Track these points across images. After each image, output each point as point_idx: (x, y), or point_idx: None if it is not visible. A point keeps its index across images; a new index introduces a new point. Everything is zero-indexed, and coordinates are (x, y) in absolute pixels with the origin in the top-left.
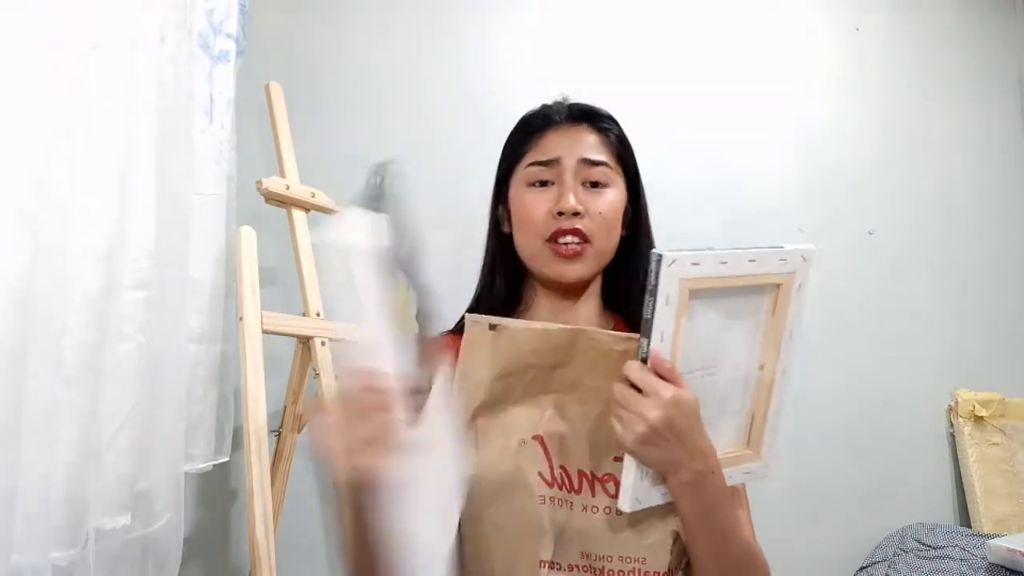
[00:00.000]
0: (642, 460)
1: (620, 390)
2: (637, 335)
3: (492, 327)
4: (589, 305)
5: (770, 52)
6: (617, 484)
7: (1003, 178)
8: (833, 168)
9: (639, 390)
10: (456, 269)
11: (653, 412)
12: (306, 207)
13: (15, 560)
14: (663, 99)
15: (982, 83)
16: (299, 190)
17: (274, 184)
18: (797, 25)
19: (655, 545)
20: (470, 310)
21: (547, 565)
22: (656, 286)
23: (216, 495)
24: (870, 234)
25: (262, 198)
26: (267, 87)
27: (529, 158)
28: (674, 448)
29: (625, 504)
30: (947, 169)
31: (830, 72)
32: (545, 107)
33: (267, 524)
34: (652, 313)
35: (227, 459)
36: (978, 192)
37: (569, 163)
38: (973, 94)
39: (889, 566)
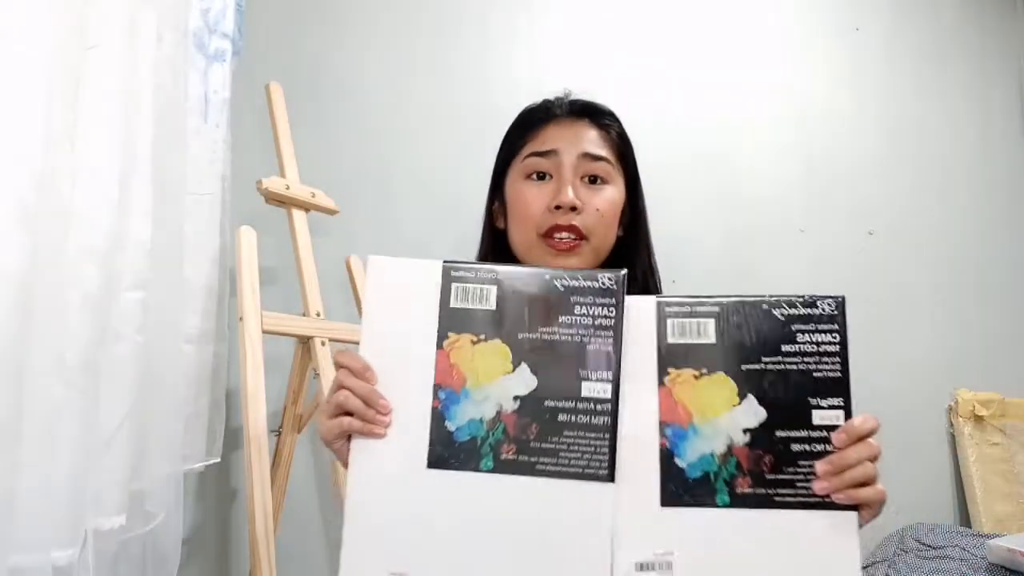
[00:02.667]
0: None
1: (854, 454)
2: None
3: None
4: None
5: (770, 52)
6: None
7: (1003, 178)
8: (833, 168)
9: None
10: None
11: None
12: (306, 207)
13: (15, 560)
14: (664, 99)
15: (982, 83)
16: (299, 190)
17: (274, 184)
18: (797, 25)
19: None
20: None
21: None
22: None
23: (216, 495)
24: (870, 234)
25: (262, 198)
26: (267, 87)
27: (528, 149)
28: None
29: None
30: (947, 169)
31: (830, 72)
32: (546, 101)
33: (267, 524)
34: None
35: (218, 460)
36: (978, 192)
37: (568, 157)
38: (973, 94)
39: (889, 566)
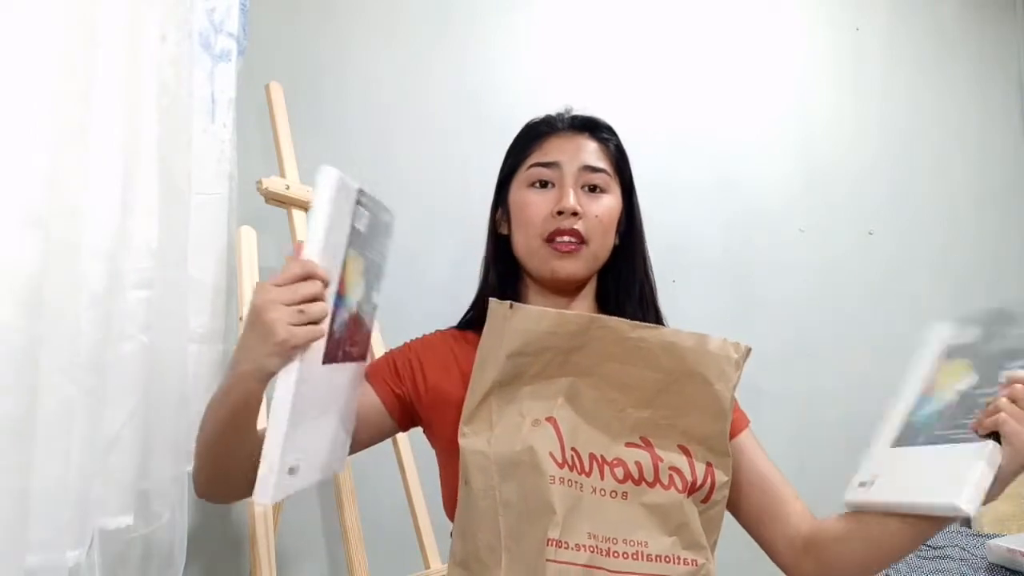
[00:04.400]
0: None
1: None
2: (649, 324)
3: (511, 306)
4: (583, 305)
5: (770, 51)
6: (625, 468)
7: (1002, 178)
8: (833, 168)
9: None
10: (456, 270)
11: None
12: (306, 207)
13: (28, 561)
14: (664, 99)
15: (981, 83)
16: (299, 190)
17: (274, 184)
18: (797, 25)
19: (657, 529)
20: (471, 310)
21: (554, 543)
22: None
23: None
24: (870, 234)
25: (262, 198)
26: (267, 87)
27: (531, 160)
28: None
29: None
30: (946, 169)
31: (830, 72)
32: (549, 116)
33: (267, 524)
34: None
35: None
36: (977, 192)
37: (570, 168)
38: (972, 94)
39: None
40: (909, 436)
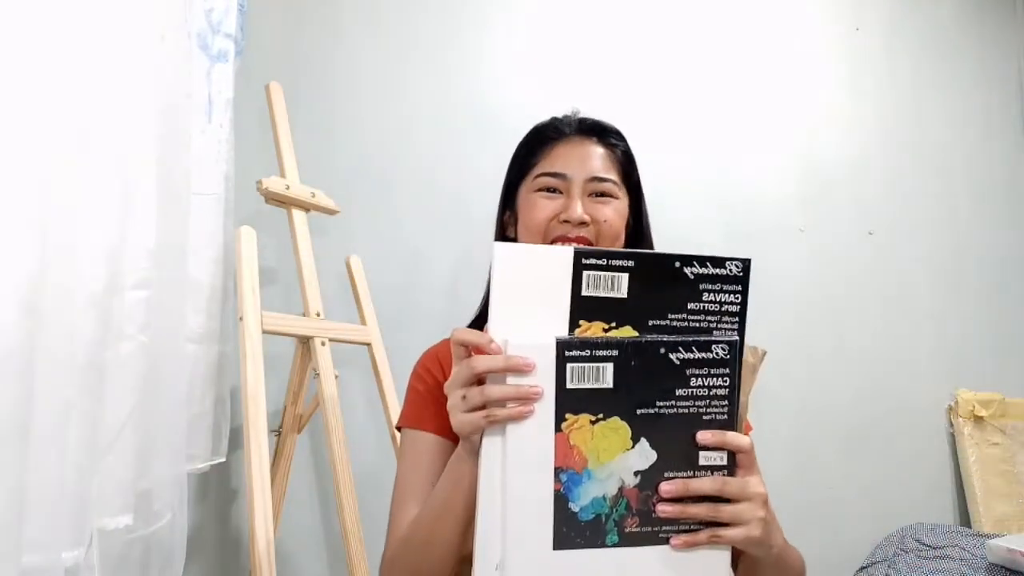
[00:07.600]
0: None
1: (729, 482)
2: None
3: None
4: None
5: (770, 52)
6: None
7: (1003, 178)
8: (833, 168)
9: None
10: (456, 270)
11: (760, 488)
12: (306, 207)
13: (26, 560)
14: (664, 100)
15: (982, 83)
16: (299, 190)
17: (274, 184)
18: (797, 25)
19: None
20: (479, 314)
21: None
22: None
23: (216, 495)
24: (870, 234)
25: (262, 198)
26: (267, 87)
27: (539, 168)
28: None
29: None
30: (947, 169)
31: (830, 72)
32: (556, 119)
33: (267, 524)
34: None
35: (224, 460)
36: (978, 192)
37: (578, 178)
38: (973, 94)
39: (889, 566)
40: (575, 532)
